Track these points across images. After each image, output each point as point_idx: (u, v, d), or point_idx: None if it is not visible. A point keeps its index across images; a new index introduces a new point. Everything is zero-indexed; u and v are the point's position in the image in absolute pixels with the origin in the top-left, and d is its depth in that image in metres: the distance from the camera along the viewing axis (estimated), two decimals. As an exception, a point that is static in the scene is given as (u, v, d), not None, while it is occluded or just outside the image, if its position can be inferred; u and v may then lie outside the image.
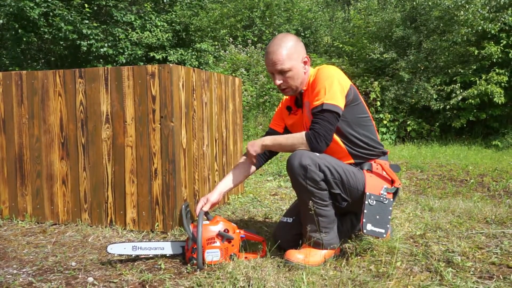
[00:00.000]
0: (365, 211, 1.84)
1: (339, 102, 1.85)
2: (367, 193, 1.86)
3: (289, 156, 1.85)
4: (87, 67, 9.53)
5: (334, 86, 1.86)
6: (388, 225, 1.86)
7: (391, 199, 1.90)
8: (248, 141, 8.16)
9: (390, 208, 1.88)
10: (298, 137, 1.88)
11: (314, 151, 1.84)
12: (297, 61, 1.93)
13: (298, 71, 1.93)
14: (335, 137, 1.95)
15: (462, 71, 7.89)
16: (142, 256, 2.01)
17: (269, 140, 1.97)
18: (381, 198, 1.87)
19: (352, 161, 1.99)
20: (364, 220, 1.82)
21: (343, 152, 1.97)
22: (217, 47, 11.29)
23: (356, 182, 1.89)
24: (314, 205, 1.83)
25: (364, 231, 1.82)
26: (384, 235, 1.85)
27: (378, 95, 8.57)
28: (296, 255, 1.85)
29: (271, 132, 2.20)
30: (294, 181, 1.84)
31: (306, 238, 1.90)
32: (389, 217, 1.87)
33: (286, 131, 2.20)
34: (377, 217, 1.84)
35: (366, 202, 1.85)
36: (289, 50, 1.90)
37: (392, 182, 1.95)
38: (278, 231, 2.11)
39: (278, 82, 1.95)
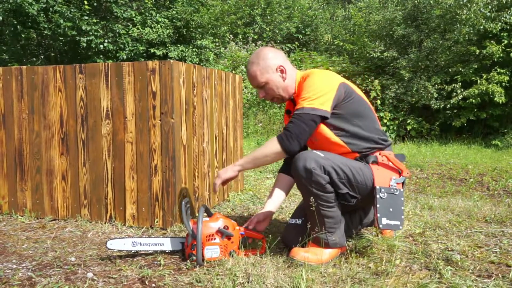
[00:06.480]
0: (378, 205, 1.80)
1: (322, 105, 1.82)
2: (377, 187, 1.82)
3: (295, 157, 1.83)
4: (87, 62, 9.52)
5: (317, 92, 1.84)
6: (402, 216, 1.82)
7: (402, 189, 1.86)
8: (248, 138, 8.16)
9: (402, 199, 1.84)
10: (269, 143, 1.86)
11: (287, 152, 1.81)
12: (271, 73, 1.96)
13: (275, 82, 1.97)
14: (334, 136, 1.91)
15: (462, 70, 7.88)
16: (141, 252, 2.01)
17: (241, 161, 1.92)
18: (392, 190, 1.84)
19: (357, 155, 1.95)
20: (378, 214, 1.78)
21: (345, 149, 1.94)
22: (217, 44, 11.28)
23: (364, 178, 1.86)
24: (319, 207, 1.81)
25: (380, 226, 1.79)
26: (400, 227, 1.81)
27: (379, 93, 8.56)
28: (302, 254, 1.84)
29: None
30: (299, 184, 1.83)
31: (312, 237, 1.88)
32: (402, 207, 1.83)
33: None
34: (391, 209, 1.81)
35: (378, 196, 1.81)
36: (260, 65, 1.96)
37: (400, 172, 1.92)
38: (287, 234, 2.06)
39: (261, 95, 2.03)
